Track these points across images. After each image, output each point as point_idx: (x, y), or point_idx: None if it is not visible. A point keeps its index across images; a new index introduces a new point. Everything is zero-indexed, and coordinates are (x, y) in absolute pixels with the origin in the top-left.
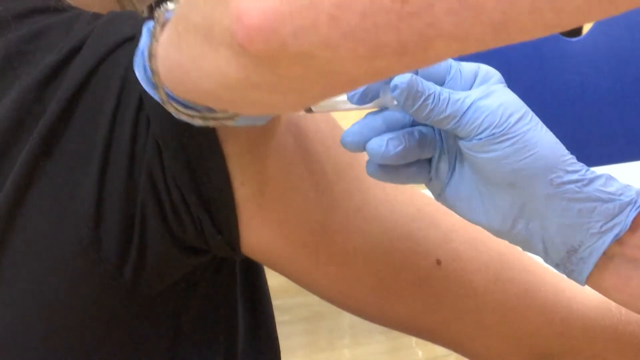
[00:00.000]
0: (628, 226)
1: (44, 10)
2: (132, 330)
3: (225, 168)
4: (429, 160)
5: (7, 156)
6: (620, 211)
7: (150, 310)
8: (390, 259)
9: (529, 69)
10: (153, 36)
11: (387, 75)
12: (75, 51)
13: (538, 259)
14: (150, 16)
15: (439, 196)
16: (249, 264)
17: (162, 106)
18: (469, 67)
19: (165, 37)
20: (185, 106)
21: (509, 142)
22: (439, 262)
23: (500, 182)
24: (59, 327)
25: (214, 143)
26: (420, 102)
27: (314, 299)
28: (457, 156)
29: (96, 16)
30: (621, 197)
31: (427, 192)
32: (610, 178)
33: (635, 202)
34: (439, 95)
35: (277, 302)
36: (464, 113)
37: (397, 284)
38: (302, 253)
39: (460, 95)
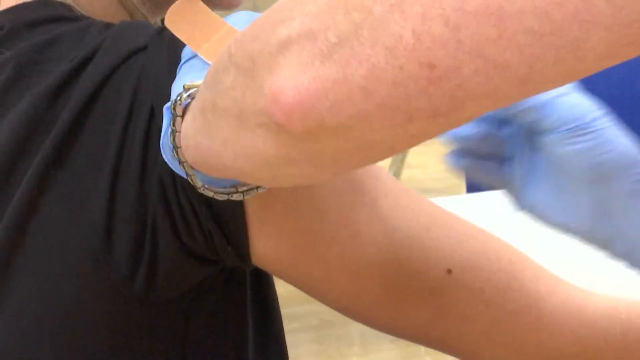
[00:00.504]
0: None
1: (56, 20)
2: (141, 338)
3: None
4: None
5: (20, 165)
6: None
7: (161, 319)
8: (401, 268)
9: None
10: (174, 126)
11: (423, 139)
12: (87, 60)
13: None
14: (163, 27)
15: (516, 197)
16: (259, 273)
17: None
18: None
19: (190, 126)
20: (221, 185)
21: (590, 136)
22: (449, 272)
23: (580, 178)
24: (69, 334)
25: None
26: None
27: (323, 307)
28: (533, 156)
29: (107, 26)
30: None
31: (439, 201)
32: None
33: None
34: None
35: (286, 310)
36: (546, 104)
37: (407, 293)
38: (312, 263)
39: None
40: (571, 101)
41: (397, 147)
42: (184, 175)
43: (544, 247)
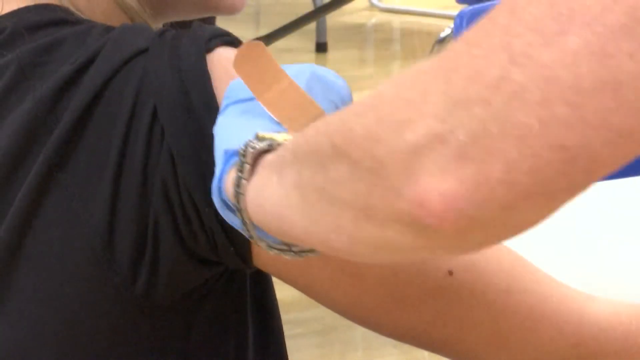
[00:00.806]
0: None
1: (58, 23)
2: (142, 341)
3: None
4: None
5: (22, 167)
6: None
7: (162, 322)
8: (403, 270)
9: None
10: (241, 173)
11: (561, 207)
12: (89, 62)
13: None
14: (165, 29)
15: None
16: (259, 275)
17: (176, 117)
18: None
19: (274, 193)
20: (275, 241)
21: None
22: (451, 273)
23: None
24: (72, 336)
25: None
26: None
27: (326, 312)
28: None
29: (109, 29)
30: None
31: None
32: None
33: None
34: None
35: (289, 315)
36: None
37: (409, 294)
38: (314, 264)
39: None
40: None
41: (538, 222)
42: (235, 224)
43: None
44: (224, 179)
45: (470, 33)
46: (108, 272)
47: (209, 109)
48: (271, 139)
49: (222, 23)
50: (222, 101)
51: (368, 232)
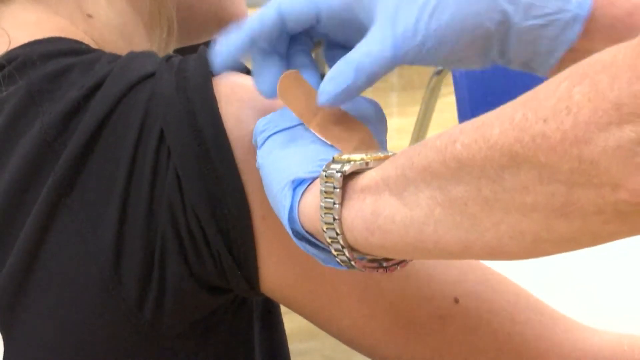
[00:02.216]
0: (574, 41)
1: (68, 53)
2: None
3: (246, 201)
4: None
5: (31, 191)
6: (564, 29)
7: (168, 352)
8: (410, 296)
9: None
10: (328, 198)
11: None
12: (96, 87)
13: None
14: (171, 55)
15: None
16: (267, 305)
17: (183, 139)
18: None
19: (394, 212)
20: (370, 260)
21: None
22: (456, 301)
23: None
24: None
25: (235, 176)
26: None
27: (326, 343)
28: None
29: (117, 57)
30: (564, 16)
31: None
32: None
33: (578, 15)
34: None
35: (289, 346)
36: None
37: (415, 322)
38: (322, 289)
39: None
40: None
41: None
42: (313, 253)
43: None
44: (296, 209)
45: None
46: (116, 297)
47: (216, 130)
48: (354, 160)
49: None
50: (257, 135)
51: (563, 228)
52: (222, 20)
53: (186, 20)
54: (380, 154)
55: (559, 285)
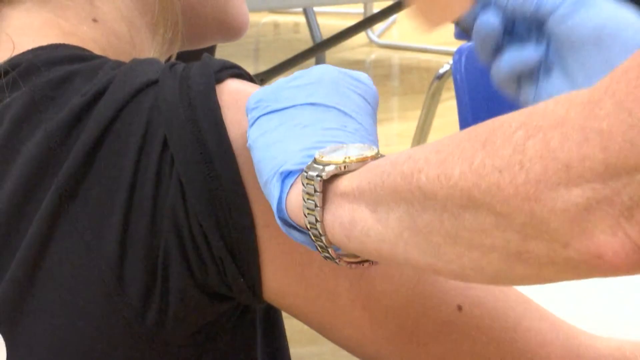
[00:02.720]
0: None
1: (72, 59)
2: None
3: (249, 208)
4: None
5: (33, 198)
6: None
7: (172, 358)
8: (413, 304)
9: None
10: (310, 199)
11: None
12: (99, 94)
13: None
14: (175, 62)
15: (534, 95)
16: (269, 312)
17: (186, 146)
18: None
19: (369, 227)
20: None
21: (587, 7)
22: (460, 308)
23: (586, 48)
24: None
25: (238, 183)
26: None
27: (324, 348)
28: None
29: (120, 63)
30: None
31: None
32: None
33: None
34: None
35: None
36: None
37: (419, 330)
38: (325, 297)
39: None
40: None
41: None
42: (302, 241)
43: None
44: (285, 200)
45: (611, 95)
46: (119, 305)
47: (219, 138)
48: (335, 164)
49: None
50: (249, 112)
51: (520, 271)
52: (223, 24)
53: (188, 23)
54: (363, 153)
55: (560, 291)
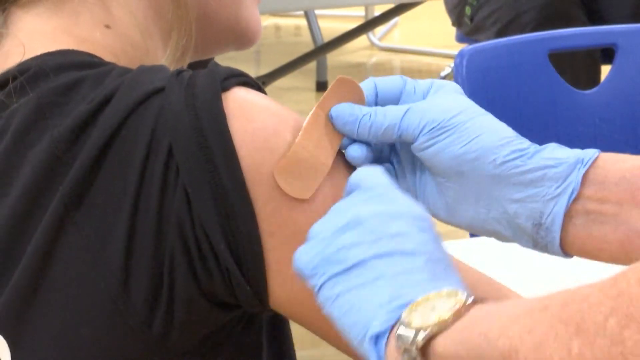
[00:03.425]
0: (579, 183)
1: (81, 65)
2: None
3: (255, 218)
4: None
5: (38, 206)
6: (571, 171)
7: None
8: None
9: (542, 122)
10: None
11: None
12: (105, 102)
13: None
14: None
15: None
16: (276, 322)
17: (191, 155)
18: (423, 82)
19: None
20: None
21: (447, 134)
22: None
23: (449, 173)
24: None
25: (244, 192)
26: (359, 122)
27: (326, 351)
28: (417, 167)
29: (127, 70)
30: (568, 159)
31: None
32: (559, 147)
33: (583, 160)
34: (375, 111)
35: None
36: (402, 119)
37: None
38: None
39: (399, 107)
40: (428, 107)
41: None
42: None
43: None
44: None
45: None
46: (124, 313)
47: (225, 147)
48: (427, 327)
49: (223, 62)
50: (305, 275)
51: None
52: (236, 32)
53: (202, 31)
54: (452, 307)
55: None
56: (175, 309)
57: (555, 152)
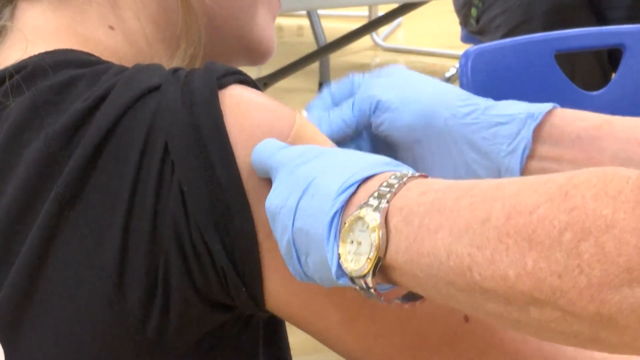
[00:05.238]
0: (530, 139)
1: (78, 64)
2: None
3: (251, 218)
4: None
5: (33, 205)
6: (522, 127)
7: None
8: (419, 315)
9: None
10: (379, 248)
11: None
12: (101, 100)
13: None
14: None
15: None
16: (272, 324)
17: (187, 153)
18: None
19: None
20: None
21: (394, 107)
22: (466, 319)
23: (409, 142)
24: None
25: (240, 192)
26: (329, 116)
27: (328, 358)
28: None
29: (124, 69)
30: (520, 115)
31: None
32: (514, 103)
33: (533, 114)
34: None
35: None
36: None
37: (425, 340)
38: (329, 306)
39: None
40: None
41: None
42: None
43: None
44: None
45: None
46: (120, 313)
47: (221, 145)
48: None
49: None
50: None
51: (597, 349)
52: (248, 47)
53: (212, 42)
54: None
55: None
56: (171, 309)
57: (511, 108)
